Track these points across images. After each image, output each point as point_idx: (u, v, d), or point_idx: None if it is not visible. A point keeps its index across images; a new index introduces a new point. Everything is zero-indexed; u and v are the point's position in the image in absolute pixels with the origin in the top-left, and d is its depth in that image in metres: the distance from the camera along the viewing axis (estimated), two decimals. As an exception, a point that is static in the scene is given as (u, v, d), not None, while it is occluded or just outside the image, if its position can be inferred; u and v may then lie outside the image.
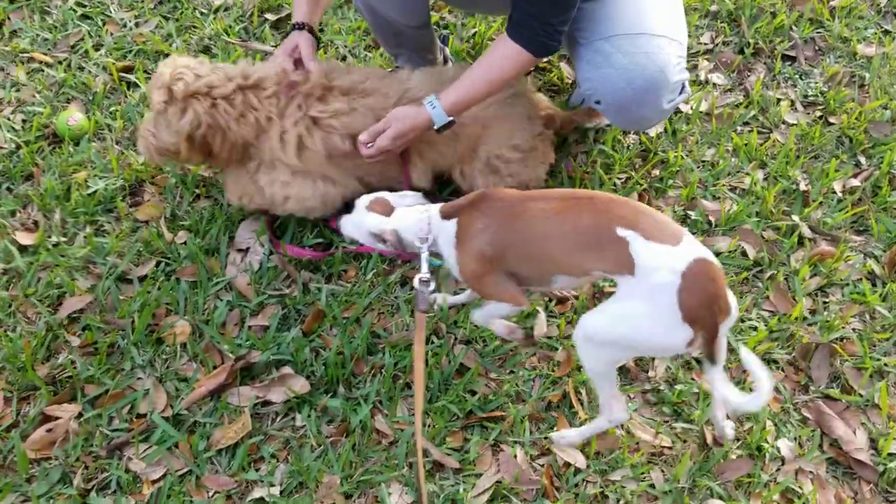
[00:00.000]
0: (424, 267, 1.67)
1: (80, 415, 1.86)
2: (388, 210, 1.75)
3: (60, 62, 2.72)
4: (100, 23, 2.86)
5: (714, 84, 2.65)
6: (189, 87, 1.93)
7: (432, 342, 1.99)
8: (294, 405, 1.88)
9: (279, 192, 2.07)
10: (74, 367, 1.94)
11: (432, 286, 1.67)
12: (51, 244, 2.18)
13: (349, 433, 1.83)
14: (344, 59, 2.77)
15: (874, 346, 1.99)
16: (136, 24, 2.86)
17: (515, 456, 1.79)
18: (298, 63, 2.10)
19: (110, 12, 2.90)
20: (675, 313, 1.41)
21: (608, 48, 1.95)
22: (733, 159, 2.42)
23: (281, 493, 1.74)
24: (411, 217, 1.72)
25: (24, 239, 2.19)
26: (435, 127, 1.98)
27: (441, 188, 2.28)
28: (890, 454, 1.80)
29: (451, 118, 1.96)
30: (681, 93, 2.02)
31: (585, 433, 1.76)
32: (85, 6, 2.92)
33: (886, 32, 2.82)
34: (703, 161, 2.42)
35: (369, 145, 1.98)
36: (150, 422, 1.84)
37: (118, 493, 1.74)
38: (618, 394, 1.67)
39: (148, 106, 2.15)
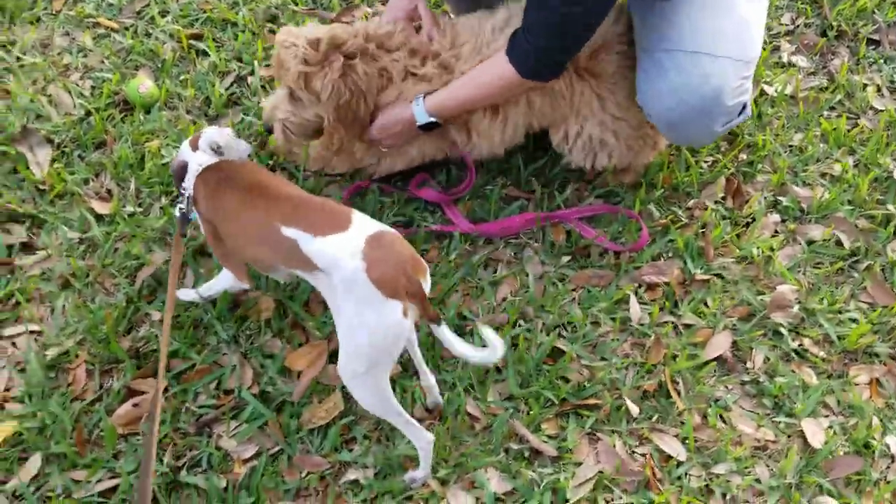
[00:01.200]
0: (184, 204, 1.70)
1: (165, 389, 1.82)
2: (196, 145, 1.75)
3: (127, 28, 2.66)
4: (164, -11, 2.79)
5: (797, 67, 2.57)
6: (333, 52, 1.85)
7: (520, 325, 1.94)
8: (384, 386, 1.83)
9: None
10: (157, 341, 1.90)
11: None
12: (126, 214, 2.13)
13: (442, 417, 1.79)
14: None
15: (980, 342, 1.94)
16: (203, -9, 2.79)
17: (615, 445, 1.74)
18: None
19: (175, -22, 2.82)
20: (375, 294, 1.39)
21: (667, 62, 1.80)
22: (822, 145, 2.35)
23: (375, 475, 1.70)
24: (198, 158, 1.71)
25: (100, 208, 2.14)
26: (417, 124, 1.94)
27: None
28: None
29: (433, 119, 1.92)
30: (740, 114, 1.89)
31: (426, 465, 1.65)
32: (148, -29, 2.85)
33: (975, 18, 2.73)
34: (791, 146, 2.35)
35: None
36: (238, 399, 1.80)
37: (209, 471, 1.71)
38: (411, 419, 1.55)
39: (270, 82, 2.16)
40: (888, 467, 1.73)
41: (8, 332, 1.92)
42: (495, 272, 2.06)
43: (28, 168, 2.20)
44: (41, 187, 2.19)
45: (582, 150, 2.05)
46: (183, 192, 1.70)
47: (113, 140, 2.29)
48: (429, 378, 1.72)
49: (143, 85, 2.38)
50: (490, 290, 2.00)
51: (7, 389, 1.83)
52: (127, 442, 1.75)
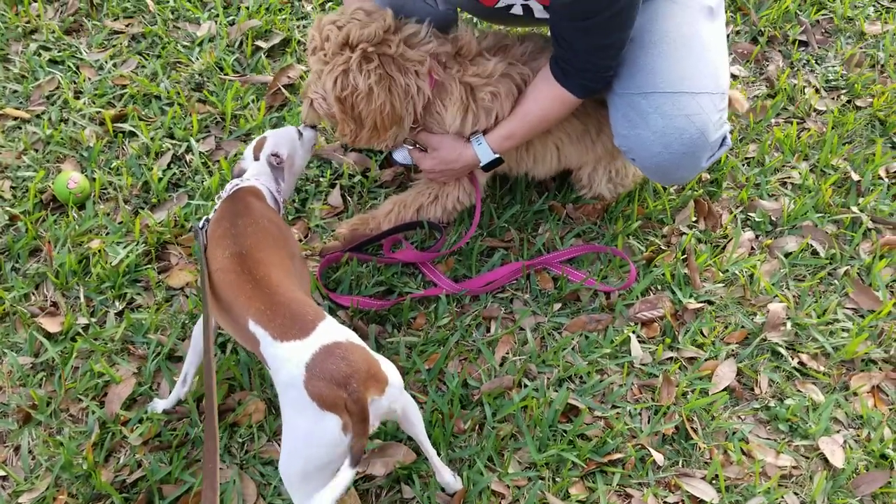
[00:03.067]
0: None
1: (163, 522, 1.66)
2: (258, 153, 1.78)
3: (39, 116, 2.44)
4: (72, 67, 2.59)
5: (738, 77, 2.61)
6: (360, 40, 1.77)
7: (525, 385, 1.88)
8: (399, 475, 1.73)
9: None
10: (139, 467, 1.73)
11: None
12: (80, 328, 1.95)
13: (466, 501, 1.70)
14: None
15: (965, 334, 2.00)
16: (115, 66, 2.60)
17: (647, 501, 1.70)
18: None
19: (81, 54, 2.62)
20: (310, 405, 1.32)
21: (645, 106, 1.78)
22: (776, 153, 2.38)
23: (410, 577, 1.60)
24: (254, 170, 1.74)
25: (49, 325, 1.94)
26: (481, 165, 1.92)
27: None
28: None
29: (498, 156, 1.91)
30: (720, 147, 1.89)
31: None
32: (50, 49, 2.64)
33: (888, 10, 2.84)
34: (749, 158, 2.38)
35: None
36: (247, 521, 1.66)
37: None
38: None
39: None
40: (910, 476, 1.76)
41: (-32, 483, 1.72)
42: (489, 331, 1.99)
43: (-43, 290, 1.98)
44: (-24, 310, 1.97)
45: (607, 182, 2.13)
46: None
47: (50, 245, 2.09)
48: (435, 462, 1.62)
49: (72, 179, 2.19)
50: (488, 352, 1.93)
51: (-20, 551, 1.63)
52: (131, 589, 1.58)
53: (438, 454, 1.74)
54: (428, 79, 1.84)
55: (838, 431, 1.83)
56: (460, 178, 2.04)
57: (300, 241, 2.15)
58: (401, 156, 2.30)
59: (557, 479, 1.72)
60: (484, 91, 1.86)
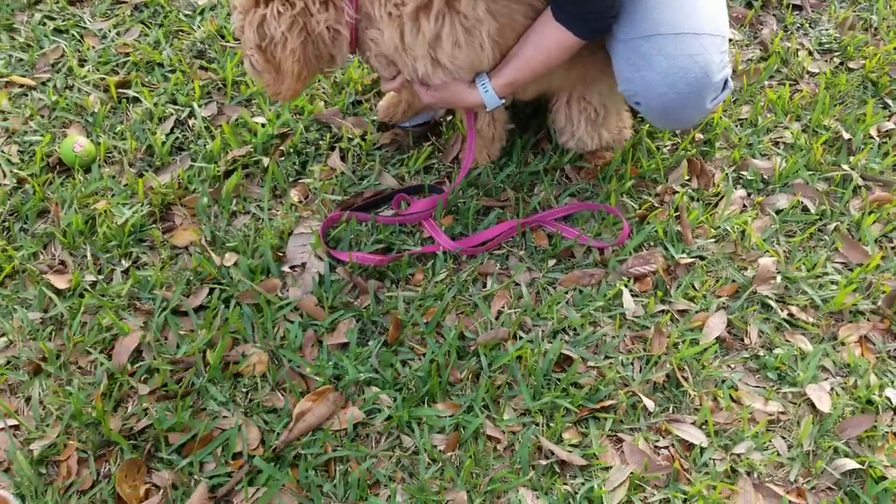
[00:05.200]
0: None
1: (169, 463, 1.72)
2: None
3: (45, 83, 2.49)
4: (76, 36, 2.63)
5: (732, 41, 2.64)
6: None
7: (520, 337, 1.93)
8: (398, 422, 1.78)
9: None
10: (146, 415, 1.79)
11: None
12: (88, 284, 2.00)
13: (461, 444, 1.75)
14: (352, 50, 2.63)
15: (951, 285, 2.04)
16: (118, 34, 2.64)
17: (638, 444, 1.75)
18: None
19: (85, 24, 2.67)
20: None
21: (648, 49, 1.82)
22: (769, 115, 2.42)
23: (407, 517, 1.66)
24: None
25: (58, 282, 2.00)
26: (487, 110, 1.97)
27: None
28: None
29: (503, 100, 1.95)
30: (723, 90, 1.93)
31: None
32: (55, 19, 2.69)
33: (882, -27, 2.87)
34: (742, 119, 2.41)
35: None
36: (250, 463, 1.72)
37: (235, 543, 1.63)
38: None
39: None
40: (893, 419, 1.80)
41: (-19, 431, 1.78)
42: (485, 286, 2.03)
43: (-32, 250, 2.04)
44: (-14, 269, 2.03)
45: (586, 123, 2.12)
46: None
47: (57, 206, 2.14)
48: None
49: (78, 143, 2.24)
50: (484, 306, 1.98)
51: (-6, 494, 1.69)
52: (139, 528, 1.64)
53: (434, 403, 1.80)
54: (345, 17, 1.83)
55: (826, 379, 1.88)
56: None
57: (300, 202, 2.20)
58: (410, 122, 2.34)
59: (551, 425, 1.77)
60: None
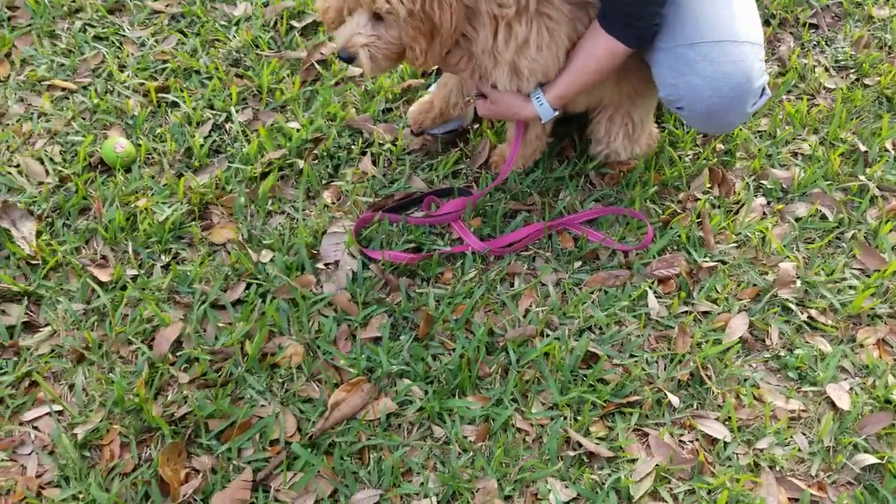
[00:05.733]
0: None
1: (209, 449, 1.78)
2: None
3: (86, 87, 2.58)
4: (116, 43, 2.73)
5: (749, 56, 2.72)
6: None
7: (547, 335, 1.99)
8: (429, 413, 1.84)
9: None
10: (187, 403, 1.85)
11: None
12: (129, 278, 2.07)
13: (491, 435, 1.81)
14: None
15: (967, 291, 2.09)
16: (156, 42, 2.74)
17: (663, 437, 1.80)
18: None
19: (125, 32, 2.77)
20: None
21: (692, 55, 1.90)
22: (788, 127, 2.49)
23: (438, 502, 1.71)
24: None
25: (101, 275, 2.07)
26: (542, 122, 2.05)
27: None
28: None
29: (557, 111, 2.02)
30: (762, 95, 2.02)
31: None
32: (95, 27, 2.78)
33: (896, -5, 2.96)
34: (761, 131, 2.49)
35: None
36: (288, 449, 1.77)
37: (272, 526, 1.68)
38: None
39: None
40: (912, 419, 1.85)
41: (28, 416, 1.84)
42: (512, 286, 2.10)
43: (14, 243, 2.11)
44: (32, 262, 2.10)
45: (623, 136, 2.21)
46: None
47: (99, 203, 2.22)
48: None
49: (119, 144, 2.32)
50: (512, 304, 2.04)
51: (39, 476, 1.75)
52: (180, 510, 1.70)
53: (464, 395, 1.86)
54: None
55: (845, 379, 1.93)
56: None
57: (333, 203, 2.27)
58: (438, 127, 2.41)
59: (578, 418, 1.83)
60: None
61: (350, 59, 1.89)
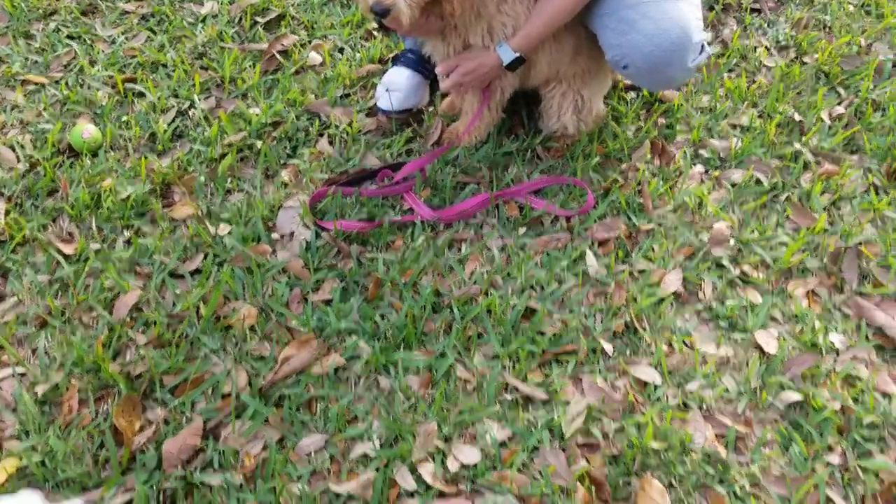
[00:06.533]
0: None
1: (164, 403, 1.86)
2: None
3: (57, 81, 2.70)
4: (88, 41, 2.86)
5: (693, 40, 2.84)
6: None
7: (491, 293, 2.07)
8: (375, 366, 1.92)
9: None
10: (143, 362, 1.94)
11: None
12: (92, 251, 2.17)
13: (434, 384, 1.89)
14: (341, 50, 2.85)
15: (892, 245, 2.18)
16: (126, 39, 2.87)
17: (597, 382, 1.88)
18: None
19: (96, 31, 2.90)
20: None
21: (633, 15, 2.04)
22: (728, 102, 2.60)
23: (381, 445, 1.78)
24: None
25: (66, 249, 2.17)
26: (504, 64, 2.15)
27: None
28: (930, 333, 1.98)
29: (519, 54, 2.13)
30: (701, 52, 2.14)
31: None
32: (68, 27, 2.91)
33: (835, -20, 3.08)
34: (701, 107, 2.60)
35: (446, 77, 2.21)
36: (238, 401, 1.86)
37: (220, 470, 1.75)
38: None
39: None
40: (835, 360, 1.93)
41: (-8, 377, 1.93)
42: (460, 251, 2.19)
43: (-17, 222, 2.22)
44: (0, 239, 2.20)
45: (573, 112, 2.34)
46: None
47: (66, 184, 2.32)
48: None
49: (87, 130, 2.43)
50: (458, 267, 2.13)
51: (0, 430, 1.84)
52: (136, 461, 1.77)
53: (410, 349, 1.95)
54: None
55: (774, 327, 2.01)
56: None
57: (291, 181, 2.37)
58: (384, 103, 2.52)
59: (517, 366, 1.91)
60: None
61: (385, 13, 1.91)
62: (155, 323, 2.00)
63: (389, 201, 2.31)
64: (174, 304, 2.06)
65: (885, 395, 1.87)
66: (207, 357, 1.95)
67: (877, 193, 2.33)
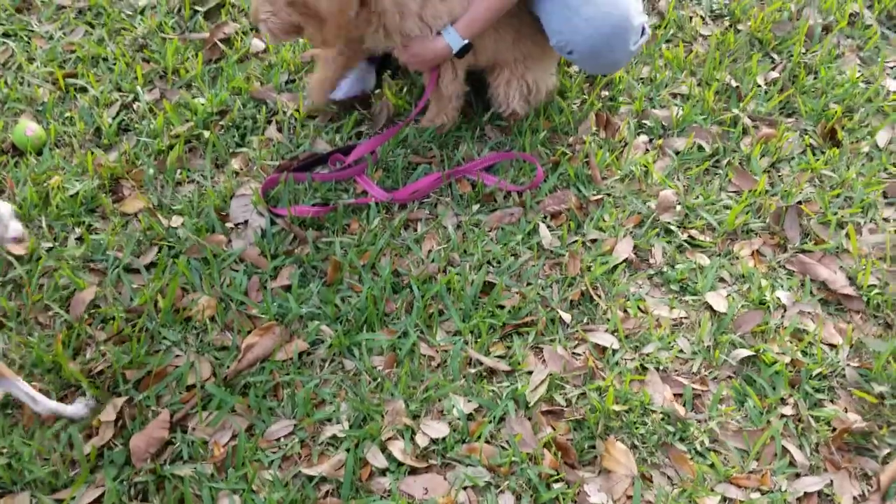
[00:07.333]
0: None
1: (129, 399, 1.85)
2: None
3: (-6, 80, 2.63)
4: (24, 38, 2.79)
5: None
6: None
7: (449, 270, 2.11)
8: (339, 349, 1.94)
9: None
10: (105, 358, 1.93)
11: None
12: (43, 250, 2.14)
13: (398, 363, 1.92)
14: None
15: (830, 202, 2.28)
16: (64, 34, 2.81)
17: (557, 350, 1.94)
18: None
19: (33, 27, 2.83)
20: None
21: (576, 2, 2.09)
22: (667, 72, 2.67)
23: (350, 426, 1.81)
24: None
25: (16, 250, 2.13)
26: (454, 52, 2.17)
27: (420, 135, 2.40)
28: (869, 285, 2.07)
29: (468, 41, 2.15)
30: (643, 34, 2.19)
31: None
32: (3, 25, 2.83)
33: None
34: (642, 78, 2.66)
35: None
36: (203, 392, 1.86)
37: (190, 462, 1.76)
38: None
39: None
40: (783, 316, 2.02)
41: (-52, 384, 1.89)
42: (416, 230, 2.22)
43: (-73, 227, 2.16)
44: (-54, 243, 2.15)
45: (520, 98, 2.36)
46: None
47: (12, 184, 2.28)
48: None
49: (29, 128, 2.38)
50: (415, 247, 2.16)
51: (-39, 438, 1.81)
52: (103, 458, 1.77)
53: (373, 330, 1.97)
54: None
55: (723, 288, 2.09)
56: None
57: (241, 169, 2.37)
58: (340, 93, 2.52)
59: (479, 341, 1.95)
60: None
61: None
62: (113, 318, 1.99)
63: (342, 185, 2.32)
64: (132, 299, 2.05)
65: (832, 346, 1.97)
66: (169, 350, 1.95)
67: (813, 154, 2.43)
